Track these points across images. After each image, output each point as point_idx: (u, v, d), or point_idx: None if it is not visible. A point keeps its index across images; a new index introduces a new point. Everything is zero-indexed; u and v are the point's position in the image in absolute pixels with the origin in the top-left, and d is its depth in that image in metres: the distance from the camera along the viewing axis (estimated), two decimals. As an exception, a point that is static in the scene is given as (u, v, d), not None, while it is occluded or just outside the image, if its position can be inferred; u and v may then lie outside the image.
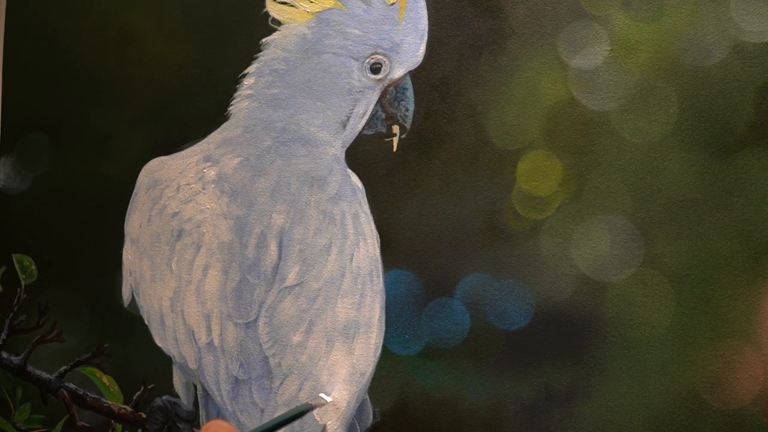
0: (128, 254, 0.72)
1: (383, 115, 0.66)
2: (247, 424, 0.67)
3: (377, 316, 0.65)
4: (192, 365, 0.69)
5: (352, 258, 0.65)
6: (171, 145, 0.72)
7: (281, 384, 0.66)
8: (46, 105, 0.77)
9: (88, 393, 0.74)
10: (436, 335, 0.63)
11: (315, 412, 0.64)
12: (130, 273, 0.72)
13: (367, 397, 0.65)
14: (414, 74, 0.65)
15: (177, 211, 0.70)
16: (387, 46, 0.65)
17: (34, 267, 0.77)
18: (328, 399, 0.65)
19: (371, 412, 0.65)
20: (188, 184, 0.70)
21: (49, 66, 0.77)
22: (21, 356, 0.76)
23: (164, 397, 0.71)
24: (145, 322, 0.72)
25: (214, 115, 0.70)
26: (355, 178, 0.66)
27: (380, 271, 0.65)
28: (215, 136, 0.70)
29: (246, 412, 0.67)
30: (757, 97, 0.57)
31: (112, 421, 0.73)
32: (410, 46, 0.65)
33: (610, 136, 0.60)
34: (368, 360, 0.65)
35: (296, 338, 0.66)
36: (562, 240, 0.61)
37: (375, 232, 0.65)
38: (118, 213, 0.73)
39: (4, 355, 0.77)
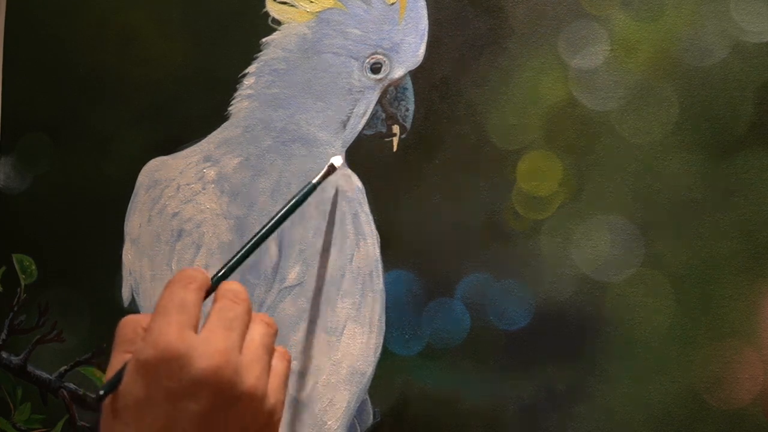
0: (128, 254, 0.72)
1: (383, 115, 0.66)
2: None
3: (377, 316, 0.65)
4: (192, 365, 0.69)
5: (352, 258, 0.65)
6: (171, 145, 0.72)
7: (281, 384, 0.66)
8: (46, 105, 0.77)
9: (88, 393, 0.74)
10: (436, 335, 0.63)
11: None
12: (130, 273, 0.72)
13: (367, 397, 0.65)
14: (414, 74, 0.65)
15: (177, 211, 0.70)
16: (387, 46, 0.65)
17: (34, 267, 0.77)
18: (338, 162, 0.64)
19: (371, 412, 0.65)
20: (188, 184, 0.70)
21: (49, 66, 0.77)
22: (21, 356, 0.76)
23: (164, 397, 0.71)
24: (145, 322, 0.72)
25: (214, 115, 0.70)
26: (355, 178, 0.66)
27: (380, 271, 0.65)
28: (215, 136, 0.70)
29: (246, 412, 0.67)
30: (757, 97, 0.57)
31: (112, 421, 0.73)
32: (410, 46, 0.65)
33: (610, 136, 0.60)
34: (368, 360, 0.65)
35: (296, 338, 0.66)
36: (562, 240, 0.61)
37: (375, 232, 0.65)
38: (118, 213, 0.73)
39: (4, 355, 0.77)
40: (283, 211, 0.58)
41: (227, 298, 0.46)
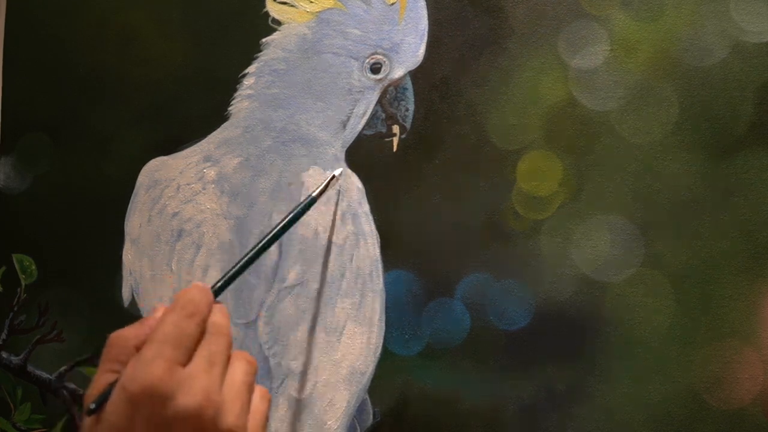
0: (128, 254, 0.72)
1: (383, 115, 0.66)
2: (247, 424, 0.67)
3: (377, 316, 0.65)
4: (192, 365, 0.69)
5: (352, 258, 0.65)
6: (171, 145, 0.72)
7: (281, 384, 0.66)
8: (46, 105, 0.77)
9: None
10: (436, 335, 0.63)
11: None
12: (130, 273, 0.72)
13: (367, 397, 0.65)
14: (414, 74, 0.65)
15: (177, 211, 0.70)
16: (387, 46, 0.65)
17: (34, 267, 0.77)
18: (338, 171, 0.64)
19: (371, 412, 0.65)
20: (188, 184, 0.70)
21: (49, 66, 0.77)
22: (21, 356, 0.76)
23: (164, 397, 0.71)
24: (145, 322, 0.71)
25: (214, 115, 0.70)
26: (355, 178, 0.66)
27: (380, 271, 0.65)
28: (215, 136, 0.70)
29: (246, 412, 0.67)
30: (757, 97, 0.57)
31: (112, 421, 0.73)
32: (410, 46, 0.65)
33: (610, 136, 0.60)
34: (368, 360, 0.65)
35: (296, 338, 0.66)
36: (562, 240, 0.61)
37: (375, 232, 0.65)
38: (118, 213, 0.73)
39: (4, 355, 0.77)
40: (284, 222, 0.58)
41: (211, 332, 0.47)
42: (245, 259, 0.55)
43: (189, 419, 0.42)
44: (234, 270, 0.54)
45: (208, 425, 0.43)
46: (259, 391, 0.48)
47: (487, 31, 0.63)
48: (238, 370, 0.46)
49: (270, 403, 0.48)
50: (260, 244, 0.56)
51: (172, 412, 0.42)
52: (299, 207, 0.60)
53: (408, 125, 0.65)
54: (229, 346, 0.47)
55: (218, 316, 0.47)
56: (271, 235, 0.57)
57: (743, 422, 0.56)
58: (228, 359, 0.46)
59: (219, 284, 0.52)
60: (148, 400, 0.42)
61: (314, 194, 0.62)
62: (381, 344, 0.65)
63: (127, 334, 0.46)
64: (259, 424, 0.47)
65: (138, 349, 0.45)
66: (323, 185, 0.63)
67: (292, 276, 0.66)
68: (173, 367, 0.43)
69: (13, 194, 0.78)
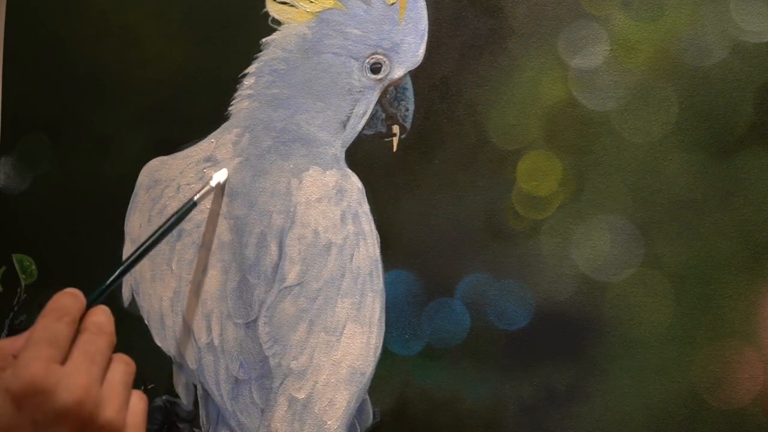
0: (128, 254, 0.72)
1: (383, 115, 0.66)
2: (247, 424, 0.67)
3: (377, 316, 0.65)
4: (192, 365, 0.69)
5: (352, 258, 0.65)
6: (171, 145, 0.72)
7: (281, 384, 0.66)
8: (46, 105, 0.77)
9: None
10: (436, 335, 0.63)
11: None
12: (131, 273, 0.72)
13: (367, 397, 0.65)
14: (414, 74, 0.65)
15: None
16: (387, 46, 0.65)
17: (34, 267, 0.77)
18: (222, 177, 0.65)
19: (371, 412, 0.65)
20: (188, 184, 0.70)
21: (49, 66, 0.77)
22: (21, 356, 0.76)
23: (164, 397, 0.71)
24: (145, 322, 0.72)
25: (214, 115, 0.70)
26: (355, 178, 0.66)
27: (380, 271, 0.65)
28: (215, 136, 0.70)
29: (246, 412, 0.67)
30: (757, 97, 0.57)
31: (112, 421, 0.73)
32: (410, 46, 0.65)
33: (610, 136, 0.60)
34: (368, 360, 0.65)
35: (296, 338, 0.66)
36: (562, 240, 0.61)
37: (375, 232, 0.65)
38: (118, 213, 0.73)
39: (4, 355, 0.77)
40: (163, 229, 0.59)
41: (91, 331, 0.49)
42: (128, 261, 0.56)
43: (70, 414, 0.44)
44: (118, 272, 0.55)
45: (88, 419, 0.45)
46: (136, 393, 0.50)
47: (487, 31, 0.63)
48: (117, 370, 0.49)
49: (147, 405, 0.51)
50: (142, 247, 0.57)
51: (54, 407, 0.44)
52: (180, 211, 0.61)
53: (408, 125, 0.65)
54: (110, 346, 0.49)
55: (100, 317, 0.50)
56: (150, 241, 0.58)
57: (743, 422, 0.56)
58: (108, 359, 0.49)
59: (96, 293, 0.53)
60: (31, 398, 0.44)
61: (195, 199, 0.63)
62: (381, 344, 0.65)
63: (6, 343, 0.49)
64: (138, 421, 0.49)
65: (15, 357, 0.47)
66: (204, 190, 0.64)
67: (292, 276, 0.66)
68: (50, 365, 0.45)
69: (13, 194, 0.78)
